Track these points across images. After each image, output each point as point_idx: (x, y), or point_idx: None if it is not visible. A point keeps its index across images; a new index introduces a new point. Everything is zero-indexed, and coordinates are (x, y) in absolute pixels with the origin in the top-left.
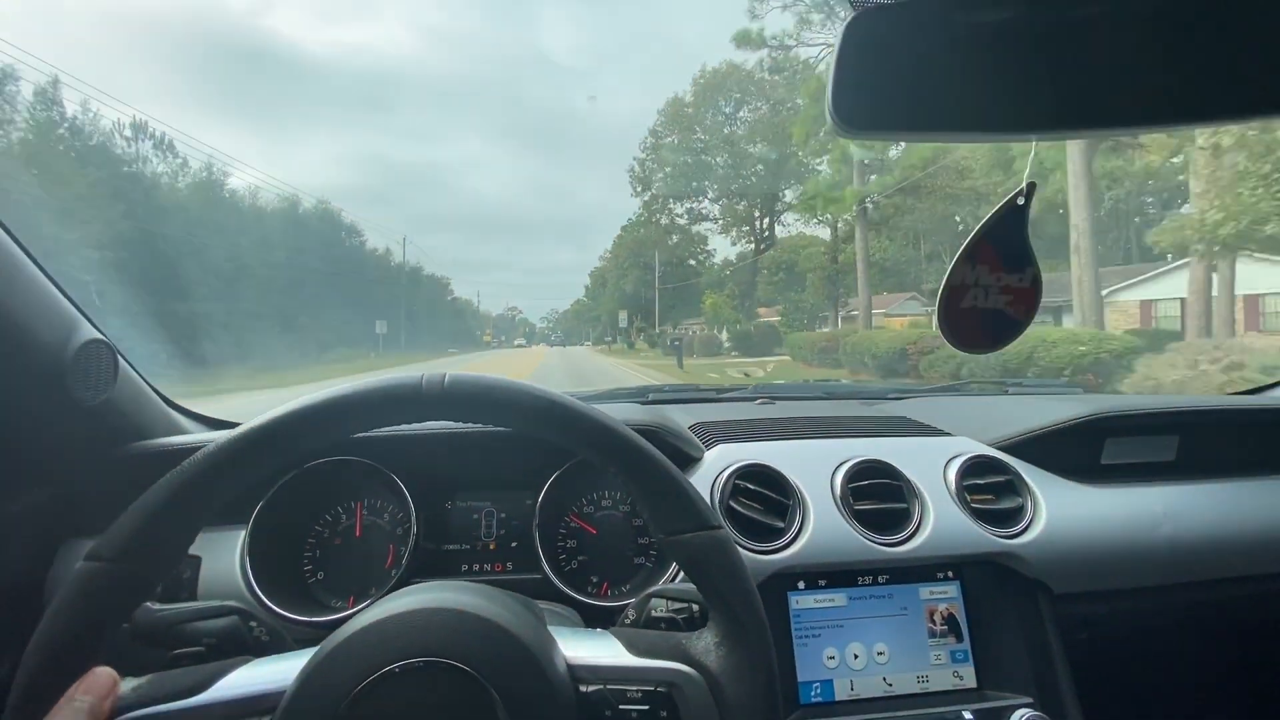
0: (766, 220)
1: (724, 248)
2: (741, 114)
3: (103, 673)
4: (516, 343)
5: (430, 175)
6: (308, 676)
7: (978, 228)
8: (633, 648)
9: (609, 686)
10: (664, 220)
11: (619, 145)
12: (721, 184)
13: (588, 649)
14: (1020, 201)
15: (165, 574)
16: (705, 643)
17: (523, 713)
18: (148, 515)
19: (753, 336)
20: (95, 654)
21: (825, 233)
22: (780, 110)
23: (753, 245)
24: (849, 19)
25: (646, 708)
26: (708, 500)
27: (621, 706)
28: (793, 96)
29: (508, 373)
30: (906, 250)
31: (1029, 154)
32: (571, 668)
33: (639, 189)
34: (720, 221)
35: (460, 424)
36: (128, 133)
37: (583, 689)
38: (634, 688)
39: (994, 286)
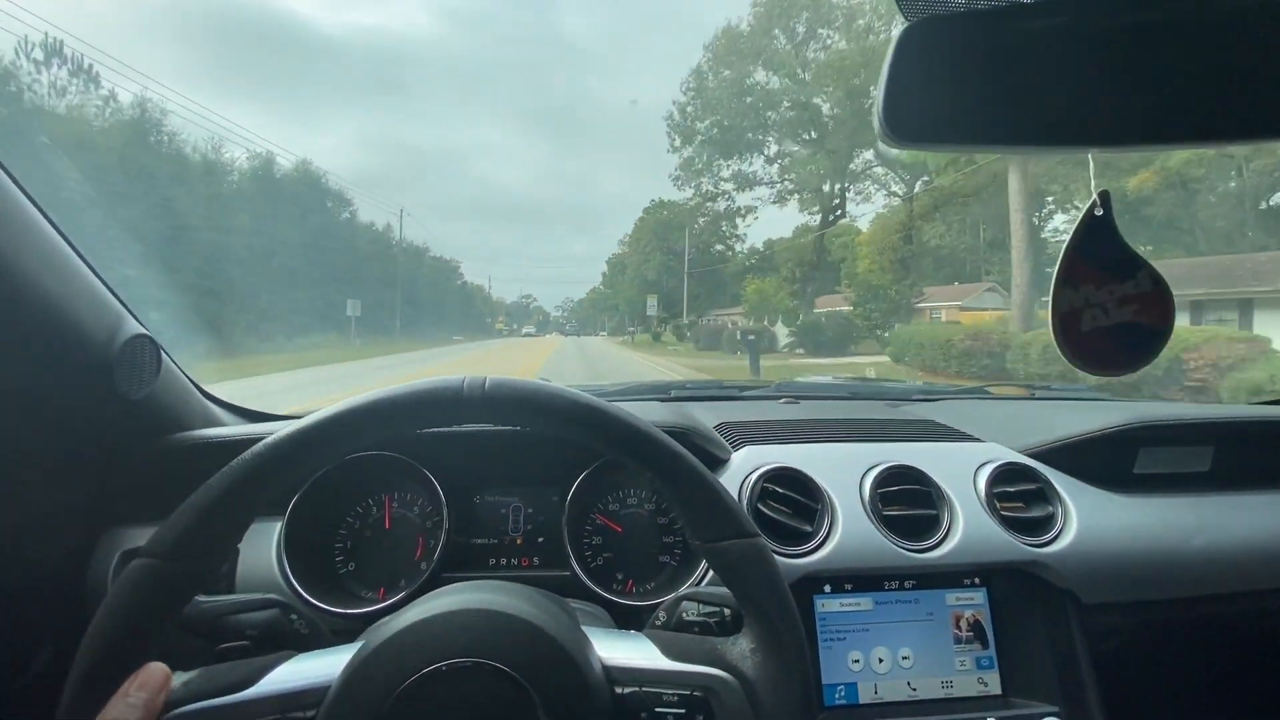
0: (838, 185)
1: (771, 225)
2: (810, 52)
3: (156, 668)
4: (524, 331)
5: (445, 161)
6: (353, 672)
7: (1064, 249)
8: (668, 651)
9: (645, 689)
10: (706, 185)
11: (639, 133)
12: (783, 135)
13: (623, 651)
14: (1098, 212)
15: (217, 569)
16: (741, 649)
17: (561, 714)
18: (201, 513)
19: (824, 330)
20: (148, 649)
21: (864, 224)
22: (863, 40)
23: (819, 217)
24: (901, 29)
25: (683, 711)
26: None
27: (657, 709)
28: (879, 25)
29: (504, 371)
30: (964, 238)
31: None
32: (607, 669)
33: (678, 142)
34: (777, 186)
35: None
36: (37, 54)
37: (619, 691)
38: (670, 691)
39: (1109, 301)
